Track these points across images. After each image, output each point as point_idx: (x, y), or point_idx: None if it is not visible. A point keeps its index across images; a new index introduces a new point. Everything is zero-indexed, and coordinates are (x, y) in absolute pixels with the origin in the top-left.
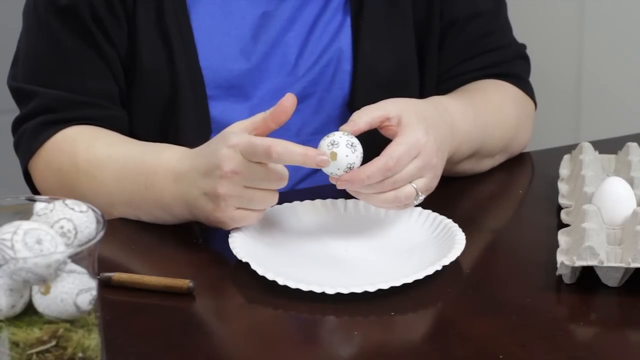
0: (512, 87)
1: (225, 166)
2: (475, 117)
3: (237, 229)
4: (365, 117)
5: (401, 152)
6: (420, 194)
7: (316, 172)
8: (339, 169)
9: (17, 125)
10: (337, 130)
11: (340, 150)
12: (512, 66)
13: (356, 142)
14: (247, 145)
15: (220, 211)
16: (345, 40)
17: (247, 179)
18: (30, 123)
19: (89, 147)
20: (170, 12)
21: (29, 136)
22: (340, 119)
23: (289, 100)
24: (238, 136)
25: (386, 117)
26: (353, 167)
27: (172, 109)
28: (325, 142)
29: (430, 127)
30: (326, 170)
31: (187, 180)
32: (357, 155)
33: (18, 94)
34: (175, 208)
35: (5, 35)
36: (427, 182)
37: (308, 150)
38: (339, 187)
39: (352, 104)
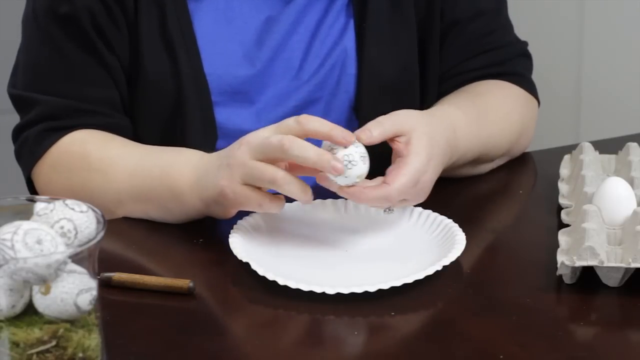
0: (517, 88)
1: (244, 138)
2: (479, 130)
3: (237, 229)
4: (381, 129)
5: (403, 183)
6: (393, 208)
7: None
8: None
9: (17, 133)
10: None
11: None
12: (515, 65)
13: (366, 154)
14: (262, 141)
15: (226, 179)
16: (349, 42)
17: (259, 150)
18: (33, 130)
19: (102, 147)
20: (173, 20)
21: (33, 142)
22: (347, 123)
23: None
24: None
25: (399, 133)
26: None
27: (178, 116)
28: (340, 154)
29: (434, 157)
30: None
31: (206, 167)
32: (367, 166)
33: (18, 102)
34: (187, 195)
35: (6, 35)
36: (407, 204)
37: (324, 154)
38: (340, 194)
39: (358, 108)
